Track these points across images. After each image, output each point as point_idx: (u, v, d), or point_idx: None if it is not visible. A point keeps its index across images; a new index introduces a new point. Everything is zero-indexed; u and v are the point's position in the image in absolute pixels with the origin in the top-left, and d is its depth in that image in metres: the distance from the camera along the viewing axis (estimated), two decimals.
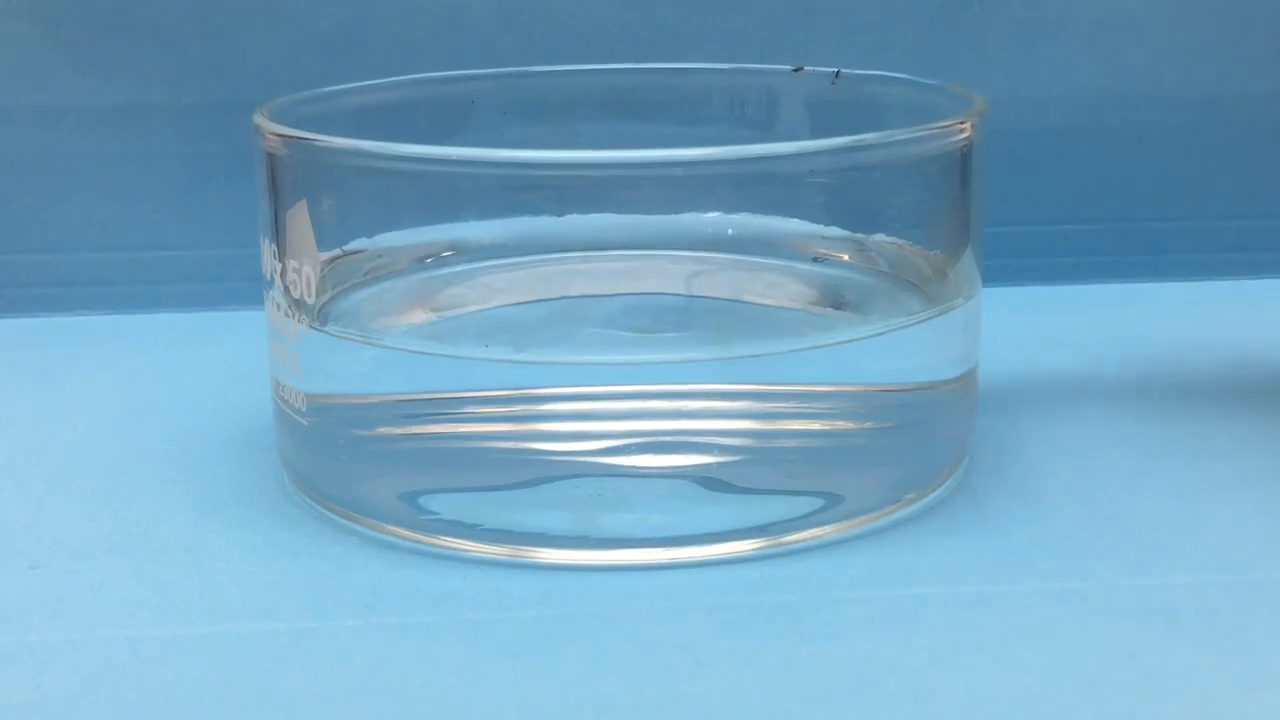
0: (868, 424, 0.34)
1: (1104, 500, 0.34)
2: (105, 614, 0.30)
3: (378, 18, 0.48)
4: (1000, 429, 0.38)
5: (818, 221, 0.37)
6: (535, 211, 0.37)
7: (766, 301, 0.38)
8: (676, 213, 0.37)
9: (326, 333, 0.33)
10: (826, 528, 0.32)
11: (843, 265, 0.38)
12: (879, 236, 0.37)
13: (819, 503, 0.32)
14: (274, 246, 0.34)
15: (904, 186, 0.35)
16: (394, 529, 0.33)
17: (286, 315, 0.34)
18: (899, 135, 0.33)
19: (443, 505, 0.32)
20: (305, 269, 0.33)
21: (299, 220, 0.33)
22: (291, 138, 0.33)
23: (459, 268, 0.39)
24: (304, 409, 0.34)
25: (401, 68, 0.41)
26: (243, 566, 0.32)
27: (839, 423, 0.33)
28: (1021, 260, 0.51)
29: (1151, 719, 0.26)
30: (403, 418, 0.33)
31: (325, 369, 0.33)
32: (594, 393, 0.32)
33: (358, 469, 0.33)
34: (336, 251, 0.35)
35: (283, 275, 0.33)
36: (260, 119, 0.34)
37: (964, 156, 0.34)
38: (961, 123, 0.33)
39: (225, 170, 0.48)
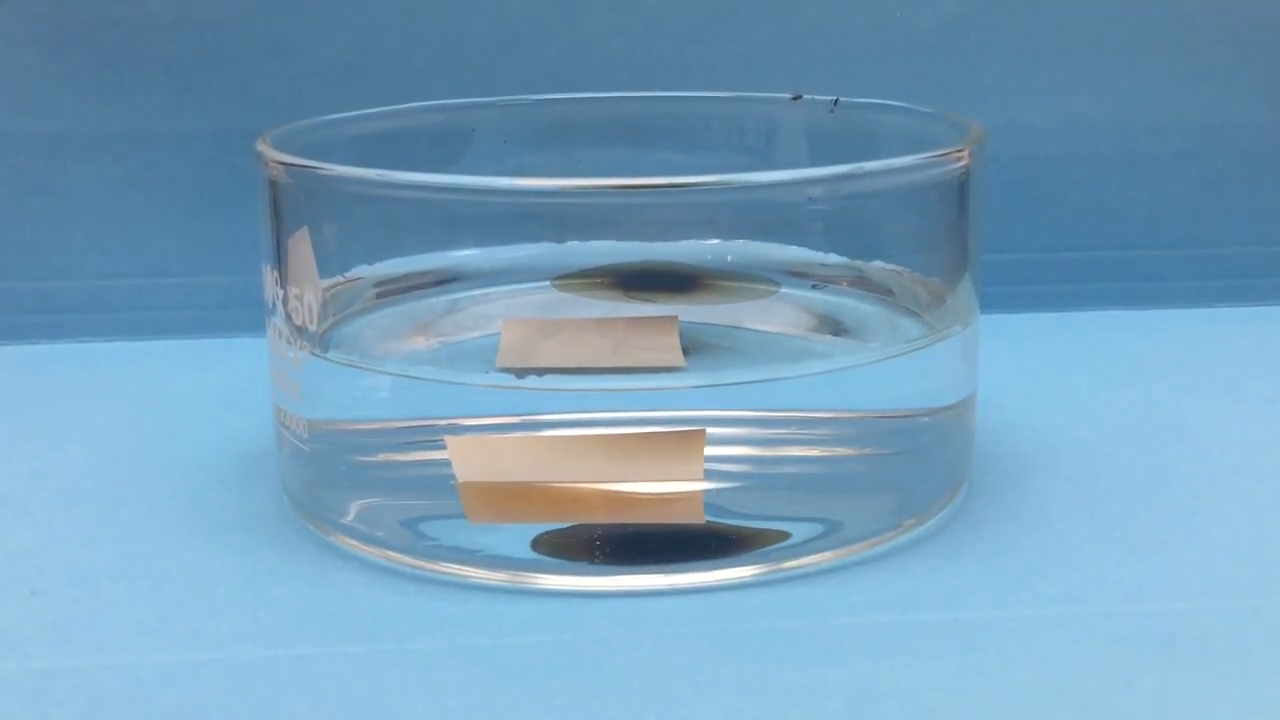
0: (867, 450, 0.34)
1: (1102, 526, 0.34)
2: (107, 640, 0.30)
3: (380, 46, 0.48)
4: (999, 455, 0.38)
5: (817, 248, 0.37)
6: (536, 238, 0.37)
7: (765, 328, 0.38)
8: (676, 239, 0.38)
9: (328, 359, 0.33)
10: (826, 554, 0.32)
11: (841, 292, 0.38)
12: (877, 263, 0.37)
13: (818, 529, 0.32)
14: (276, 273, 0.34)
15: (902, 214, 0.35)
16: (395, 555, 0.33)
17: (288, 342, 0.34)
18: (897, 163, 0.33)
19: (443, 531, 0.32)
20: (307, 295, 0.33)
21: (301, 247, 0.33)
22: (294, 165, 0.33)
23: (460, 294, 0.39)
24: (305, 435, 0.34)
25: (403, 96, 0.41)
26: (244, 592, 0.32)
27: (838, 449, 0.33)
28: (1019, 287, 0.51)
29: None
30: (404, 444, 0.33)
31: (327, 395, 0.33)
32: (595, 419, 0.32)
33: (359, 495, 0.33)
34: (338, 278, 0.35)
35: (284, 302, 0.34)
36: (263, 146, 0.34)
37: (962, 184, 0.34)
38: (959, 150, 0.33)
39: (227, 197, 0.48)
